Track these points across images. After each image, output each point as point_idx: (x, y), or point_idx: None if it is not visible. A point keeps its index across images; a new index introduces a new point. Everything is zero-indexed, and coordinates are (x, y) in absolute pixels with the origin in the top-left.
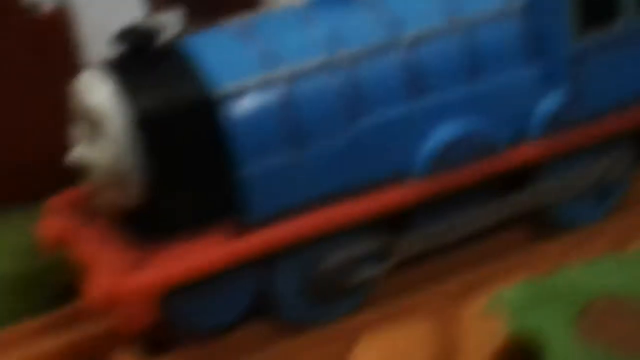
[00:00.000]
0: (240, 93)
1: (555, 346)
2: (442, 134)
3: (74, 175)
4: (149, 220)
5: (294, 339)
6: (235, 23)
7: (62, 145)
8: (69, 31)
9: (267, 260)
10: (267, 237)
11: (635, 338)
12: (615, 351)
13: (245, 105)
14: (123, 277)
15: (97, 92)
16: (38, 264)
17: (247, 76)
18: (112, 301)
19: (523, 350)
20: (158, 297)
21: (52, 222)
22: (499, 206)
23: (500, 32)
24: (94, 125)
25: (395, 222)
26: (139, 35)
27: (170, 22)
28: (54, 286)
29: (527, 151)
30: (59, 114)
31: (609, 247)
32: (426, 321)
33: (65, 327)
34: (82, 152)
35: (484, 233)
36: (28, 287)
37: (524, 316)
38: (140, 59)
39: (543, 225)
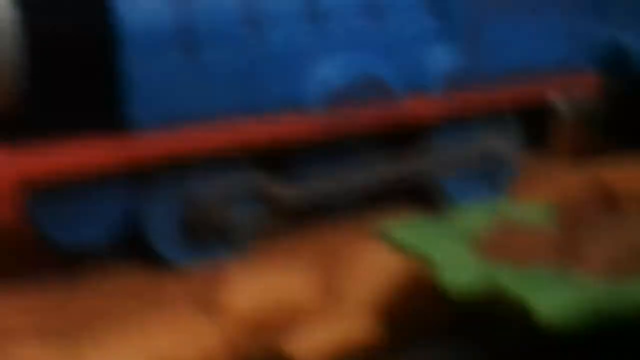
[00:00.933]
0: None
1: (449, 266)
2: (339, 66)
3: None
4: (18, 123)
5: (158, 273)
6: None
7: None
8: None
9: (142, 179)
10: (144, 145)
11: (531, 251)
12: (512, 264)
13: (138, 3)
14: None
15: None
16: None
17: None
18: None
19: (419, 289)
20: (22, 191)
21: None
22: (385, 169)
23: None
24: None
25: (281, 164)
26: None
27: None
28: None
29: (420, 105)
30: None
31: None
32: (302, 263)
33: None
34: None
35: (367, 203)
36: None
37: (415, 244)
38: None
39: (429, 200)
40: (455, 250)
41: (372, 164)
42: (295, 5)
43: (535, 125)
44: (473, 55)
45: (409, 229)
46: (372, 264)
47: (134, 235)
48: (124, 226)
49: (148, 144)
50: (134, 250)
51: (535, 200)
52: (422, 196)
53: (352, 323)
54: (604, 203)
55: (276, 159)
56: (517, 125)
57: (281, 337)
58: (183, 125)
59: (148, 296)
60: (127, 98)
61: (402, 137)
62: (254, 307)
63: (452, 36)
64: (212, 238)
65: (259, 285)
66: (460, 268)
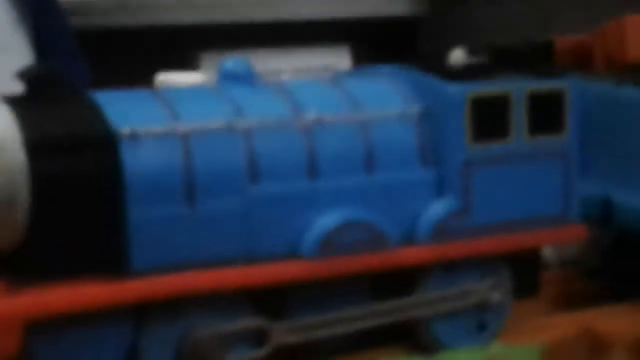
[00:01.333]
0: (137, 138)
1: None
2: (333, 217)
3: None
4: (20, 262)
5: None
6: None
7: None
8: None
9: (140, 319)
10: (142, 287)
11: None
12: None
13: (142, 151)
14: None
15: None
16: None
17: (146, 124)
18: None
19: None
20: (21, 329)
21: None
22: (378, 309)
23: (396, 131)
24: None
25: (275, 308)
26: (41, 77)
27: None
28: None
29: (412, 252)
30: None
31: None
32: None
33: None
34: None
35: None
36: None
37: None
38: (41, 99)
39: (420, 344)
40: None
41: (366, 306)
42: (293, 157)
43: (524, 273)
44: (466, 204)
45: None
46: None
47: None
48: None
49: (147, 286)
50: None
51: (524, 344)
52: (411, 338)
53: None
54: (591, 350)
55: (273, 299)
56: (508, 273)
57: None
58: (178, 265)
59: None
60: (128, 243)
61: (395, 281)
62: None
63: (446, 186)
64: None
65: None
66: None
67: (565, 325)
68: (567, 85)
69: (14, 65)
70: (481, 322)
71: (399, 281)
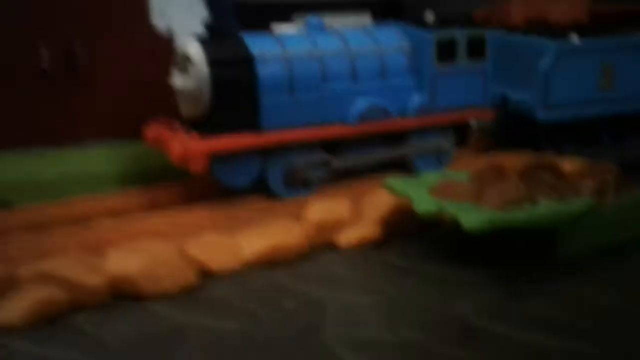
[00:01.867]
0: (264, 58)
1: (418, 201)
2: (364, 102)
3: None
4: (206, 124)
5: (273, 201)
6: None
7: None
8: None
9: (267, 155)
10: (269, 138)
11: (464, 194)
12: (449, 200)
13: (266, 65)
14: (189, 146)
15: (191, 46)
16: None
17: (269, 51)
18: (184, 158)
19: (402, 212)
20: (208, 158)
21: (150, 131)
22: (386, 151)
23: (396, 57)
24: (187, 65)
25: (335, 148)
26: (215, 27)
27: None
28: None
29: (405, 121)
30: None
31: None
32: (345, 198)
33: None
34: (178, 82)
35: (376, 168)
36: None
37: (401, 190)
38: (215, 38)
39: (406, 170)
40: (421, 193)
41: (380, 150)
42: (344, 70)
43: (461, 134)
44: (433, 96)
45: (398, 182)
46: (379, 199)
47: (262, 181)
48: (258, 176)
49: (271, 137)
50: (263, 189)
51: (460, 171)
52: (403, 168)
53: (368, 228)
54: (496, 173)
55: (333, 145)
56: (452, 134)
57: (332, 234)
58: (288, 126)
59: (268, 211)
60: (261, 113)
61: (395, 137)
62: (320, 218)
63: (422, 87)
64: (300, 185)
65: (323, 207)
66: (423, 202)
67: (481, 161)
68: (486, 33)
69: (196, 18)
70: (439, 159)
71: (398, 137)
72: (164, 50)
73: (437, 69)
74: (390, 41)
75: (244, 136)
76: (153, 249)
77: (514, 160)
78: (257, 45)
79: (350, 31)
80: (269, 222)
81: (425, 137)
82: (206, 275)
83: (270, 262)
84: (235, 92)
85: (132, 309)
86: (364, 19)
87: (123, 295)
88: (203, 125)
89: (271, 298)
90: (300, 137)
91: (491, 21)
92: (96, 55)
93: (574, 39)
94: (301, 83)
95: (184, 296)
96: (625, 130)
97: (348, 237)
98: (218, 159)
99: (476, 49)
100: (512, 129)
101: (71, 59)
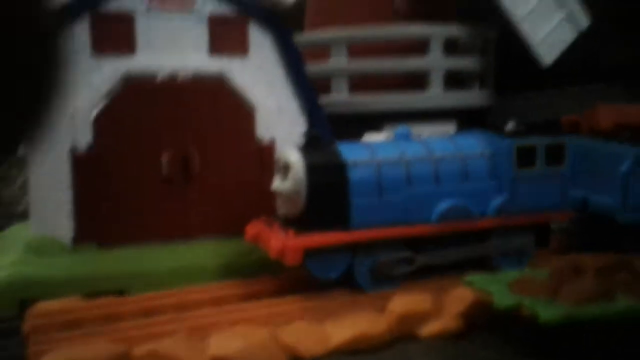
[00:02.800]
0: (356, 165)
1: (498, 295)
2: (446, 203)
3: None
4: (302, 222)
5: (359, 294)
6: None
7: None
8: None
9: (355, 250)
10: (358, 235)
11: (542, 290)
12: (528, 296)
13: (357, 171)
14: (286, 241)
15: (291, 154)
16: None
17: (360, 158)
18: (281, 252)
19: (482, 306)
20: (302, 253)
21: (251, 228)
22: (467, 249)
23: (478, 162)
24: (287, 170)
25: (418, 245)
26: (312, 137)
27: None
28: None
29: (486, 221)
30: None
31: None
32: (427, 292)
33: None
34: (278, 185)
35: (459, 265)
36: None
37: (482, 285)
38: (312, 146)
39: (486, 268)
40: (501, 289)
41: (461, 248)
42: (428, 174)
43: (542, 235)
44: (513, 198)
45: (478, 278)
46: (460, 294)
47: (347, 275)
48: (346, 270)
49: (358, 235)
50: (350, 282)
51: (540, 269)
52: (483, 266)
53: (449, 321)
54: (574, 270)
55: (417, 243)
56: (532, 235)
57: (414, 326)
58: (375, 225)
59: (354, 304)
60: (351, 213)
61: (476, 237)
62: (403, 310)
63: (502, 190)
64: (384, 280)
65: (406, 300)
66: (503, 296)
67: (561, 261)
68: (566, 140)
69: (293, 125)
70: (519, 259)
71: (479, 236)
72: (267, 157)
73: (517, 174)
74: (472, 147)
75: (334, 233)
76: (250, 334)
77: (591, 260)
78: (350, 152)
79: (436, 139)
80: (354, 313)
81: (507, 236)
82: (296, 359)
83: (355, 350)
84: (328, 194)
85: None
86: (450, 127)
87: None
88: (299, 222)
89: None
90: (386, 235)
91: (580, 127)
92: (209, 162)
93: None
94: (389, 186)
95: None
96: None
97: (430, 328)
98: (311, 254)
99: (555, 155)
100: (593, 231)
101: (187, 165)
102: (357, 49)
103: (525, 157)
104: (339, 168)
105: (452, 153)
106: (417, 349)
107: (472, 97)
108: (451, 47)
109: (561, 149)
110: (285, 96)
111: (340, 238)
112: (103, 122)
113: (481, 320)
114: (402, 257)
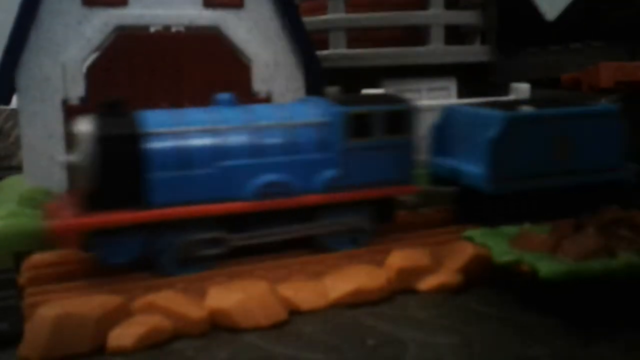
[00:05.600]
0: (156, 135)
1: (498, 250)
2: (264, 178)
3: None
4: (92, 200)
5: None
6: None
7: None
8: None
9: (154, 231)
10: (156, 214)
11: (543, 245)
12: (528, 251)
13: (157, 141)
14: (61, 222)
15: (82, 123)
16: None
17: (162, 127)
18: (55, 233)
19: (482, 261)
20: (79, 235)
21: (53, 202)
22: (292, 229)
23: (306, 131)
24: (78, 142)
25: (235, 225)
26: (111, 104)
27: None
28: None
29: (310, 198)
30: None
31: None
32: (426, 247)
33: None
34: (70, 157)
35: (280, 247)
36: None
37: (481, 240)
38: (110, 113)
39: (315, 247)
40: (500, 244)
41: (285, 228)
42: (245, 145)
43: (384, 211)
44: (344, 172)
45: (477, 233)
46: (458, 248)
47: (145, 257)
48: (140, 252)
49: (153, 214)
50: (145, 264)
51: (541, 225)
52: (318, 245)
53: (448, 275)
54: (575, 226)
55: (231, 221)
56: (369, 211)
57: (413, 280)
58: (180, 202)
59: (352, 258)
60: (148, 190)
61: (302, 214)
62: (402, 264)
63: (333, 162)
64: (197, 261)
65: (405, 254)
66: (502, 251)
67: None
68: (410, 107)
69: (290, 79)
70: (355, 237)
71: (305, 214)
72: None
73: (350, 145)
74: (303, 116)
75: (123, 213)
76: (249, 287)
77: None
78: (152, 121)
79: (267, 108)
80: (353, 268)
81: (336, 215)
82: (295, 313)
83: (354, 304)
84: (121, 168)
85: (228, 339)
86: (450, 83)
87: (221, 327)
88: (89, 201)
89: (354, 335)
90: (195, 212)
91: (580, 84)
92: None
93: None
94: (195, 159)
95: (275, 330)
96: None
97: (428, 282)
98: (98, 235)
99: (397, 124)
100: (469, 203)
101: None
102: (356, 2)
103: (360, 126)
104: (135, 139)
105: (277, 122)
106: (416, 303)
107: (473, 53)
108: (452, 1)
109: (405, 118)
110: (281, 50)
111: (129, 218)
112: (96, 75)
113: (480, 275)
114: (211, 237)
